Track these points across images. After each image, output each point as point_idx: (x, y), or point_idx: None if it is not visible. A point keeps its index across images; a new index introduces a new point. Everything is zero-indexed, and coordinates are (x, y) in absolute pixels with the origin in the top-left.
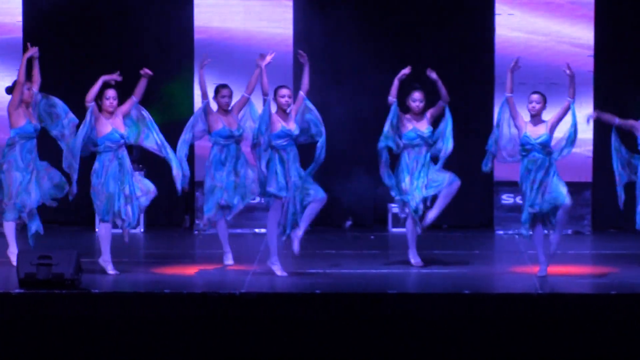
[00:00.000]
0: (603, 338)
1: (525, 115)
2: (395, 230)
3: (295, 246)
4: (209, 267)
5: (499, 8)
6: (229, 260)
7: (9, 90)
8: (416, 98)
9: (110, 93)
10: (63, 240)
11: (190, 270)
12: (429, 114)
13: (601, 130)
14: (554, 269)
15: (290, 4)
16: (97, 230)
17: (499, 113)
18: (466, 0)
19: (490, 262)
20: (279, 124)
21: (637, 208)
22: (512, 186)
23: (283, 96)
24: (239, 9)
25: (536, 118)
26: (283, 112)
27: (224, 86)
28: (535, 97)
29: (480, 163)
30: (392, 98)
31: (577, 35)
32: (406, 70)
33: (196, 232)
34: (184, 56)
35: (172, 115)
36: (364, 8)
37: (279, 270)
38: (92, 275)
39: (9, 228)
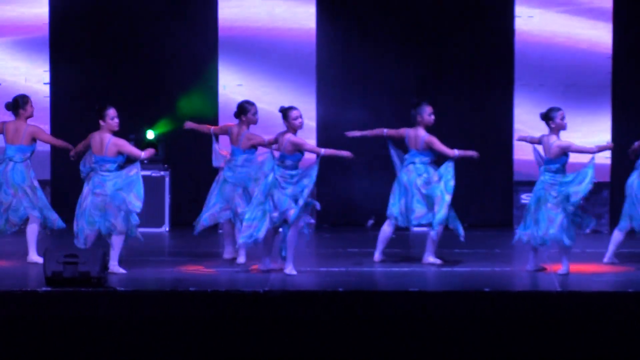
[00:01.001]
0: (621, 335)
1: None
2: (416, 229)
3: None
4: (232, 266)
5: (518, 10)
6: (241, 258)
7: (9, 106)
8: (431, 112)
9: (114, 112)
10: None
11: (215, 269)
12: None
13: (619, 132)
14: (573, 267)
15: (314, 5)
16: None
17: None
18: (487, 1)
19: (510, 261)
20: None
21: None
22: (531, 186)
23: (296, 118)
24: (262, 8)
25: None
26: (295, 132)
27: (253, 104)
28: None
29: (500, 163)
30: (455, 154)
31: (596, 37)
32: (474, 155)
33: (220, 231)
34: (209, 54)
35: (196, 113)
36: (385, 11)
37: (293, 271)
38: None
39: None
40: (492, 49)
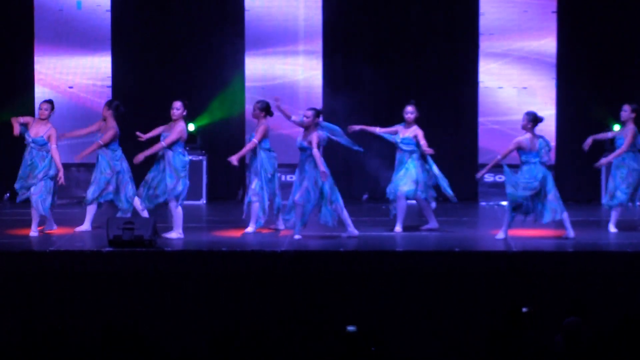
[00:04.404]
0: (561, 282)
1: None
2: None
3: None
4: (257, 230)
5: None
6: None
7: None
8: (408, 111)
9: (173, 104)
10: None
11: (242, 234)
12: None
13: (562, 125)
14: (525, 232)
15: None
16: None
17: None
18: (455, 26)
19: (475, 227)
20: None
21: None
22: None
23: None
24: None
25: None
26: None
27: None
28: None
29: (467, 149)
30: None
31: (544, 50)
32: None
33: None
34: (237, 65)
35: (225, 113)
36: (382, 42)
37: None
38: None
39: None
40: (461, 59)
